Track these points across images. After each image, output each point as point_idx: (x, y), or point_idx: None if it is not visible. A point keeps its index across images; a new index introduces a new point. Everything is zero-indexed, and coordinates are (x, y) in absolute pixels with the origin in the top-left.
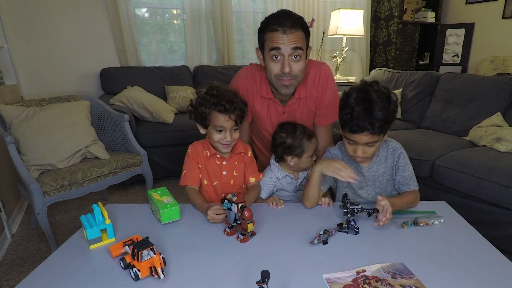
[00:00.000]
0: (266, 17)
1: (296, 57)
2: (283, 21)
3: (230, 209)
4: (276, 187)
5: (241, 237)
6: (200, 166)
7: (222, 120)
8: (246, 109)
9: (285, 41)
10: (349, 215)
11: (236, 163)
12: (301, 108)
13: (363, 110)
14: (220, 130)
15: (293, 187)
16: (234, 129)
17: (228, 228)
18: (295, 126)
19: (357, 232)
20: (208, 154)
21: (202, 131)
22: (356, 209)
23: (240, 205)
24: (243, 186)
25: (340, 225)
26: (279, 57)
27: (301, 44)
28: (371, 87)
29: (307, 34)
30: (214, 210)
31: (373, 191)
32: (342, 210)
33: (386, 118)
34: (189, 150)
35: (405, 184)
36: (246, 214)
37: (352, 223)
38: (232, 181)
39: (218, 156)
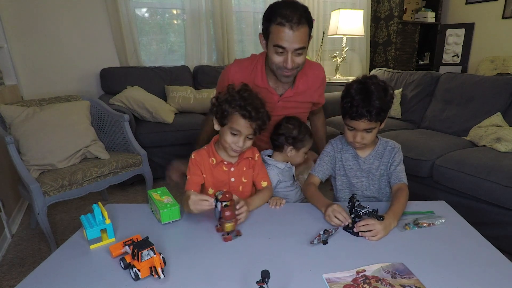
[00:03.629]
0: (271, 5)
1: (299, 53)
2: (291, 15)
3: (216, 206)
4: (279, 180)
5: (226, 234)
6: (204, 175)
7: (242, 124)
8: (268, 122)
9: (291, 38)
10: (354, 217)
11: (244, 169)
12: (298, 98)
13: (361, 99)
14: (235, 134)
15: (291, 175)
16: (249, 138)
17: (219, 224)
18: (300, 121)
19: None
20: (215, 162)
21: (217, 127)
22: (362, 211)
23: (224, 203)
24: (253, 192)
25: (347, 225)
26: (283, 52)
27: (304, 42)
28: (369, 79)
29: (311, 27)
30: (199, 196)
31: (367, 183)
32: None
33: (382, 107)
34: (192, 157)
35: (397, 176)
36: (226, 213)
37: None
38: (240, 187)
39: (226, 162)
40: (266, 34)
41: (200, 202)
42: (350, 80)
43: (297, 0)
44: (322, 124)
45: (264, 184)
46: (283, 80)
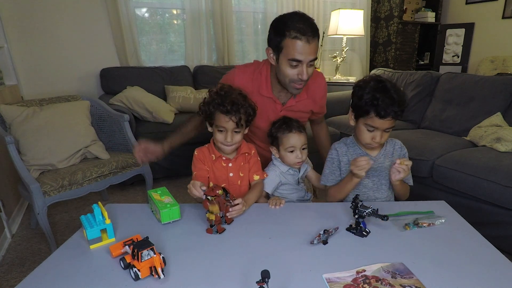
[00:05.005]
0: (282, 18)
1: (311, 64)
2: (305, 28)
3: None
4: (281, 181)
5: (209, 225)
6: (207, 169)
7: (223, 120)
8: (253, 114)
9: (306, 51)
10: (357, 217)
11: (242, 163)
12: (299, 107)
13: (387, 97)
14: (221, 131)
15: (295, 179)
16: (236, 131)
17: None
18: (284, 118)
19: (365, 236)
20: (214, 158)
21: (209, 129)
22: (366, 212)
23: (208, 197)
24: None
25: (350, 226)
26: (297, 65)
27: (317, 53)
28: (383, 78)
29: (319, 39)
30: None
31: (378, 182)
32: (345, 211)
33: (404, 105)
34: (195, 153)
35: (406, 179)
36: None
37: (362, 225)
38: (239, 181)
39: (224, 158)
40: (277, 48)
41: (193, 189)
42: (351, 80)
43: (305, 14)
44: (326, 134)
45: (256, 177)
46: (295, 92)
